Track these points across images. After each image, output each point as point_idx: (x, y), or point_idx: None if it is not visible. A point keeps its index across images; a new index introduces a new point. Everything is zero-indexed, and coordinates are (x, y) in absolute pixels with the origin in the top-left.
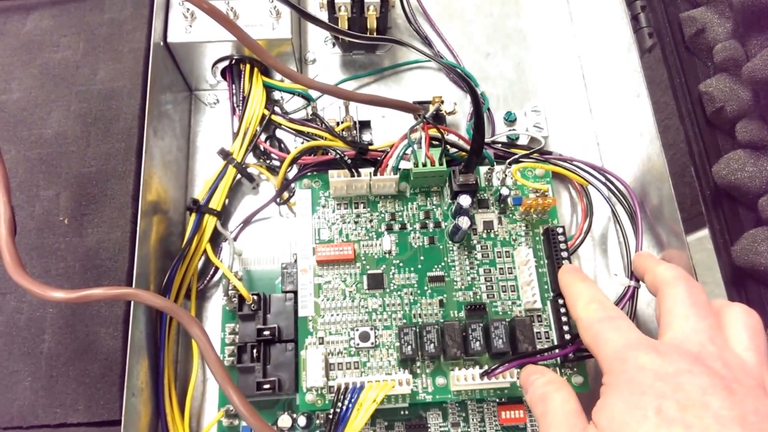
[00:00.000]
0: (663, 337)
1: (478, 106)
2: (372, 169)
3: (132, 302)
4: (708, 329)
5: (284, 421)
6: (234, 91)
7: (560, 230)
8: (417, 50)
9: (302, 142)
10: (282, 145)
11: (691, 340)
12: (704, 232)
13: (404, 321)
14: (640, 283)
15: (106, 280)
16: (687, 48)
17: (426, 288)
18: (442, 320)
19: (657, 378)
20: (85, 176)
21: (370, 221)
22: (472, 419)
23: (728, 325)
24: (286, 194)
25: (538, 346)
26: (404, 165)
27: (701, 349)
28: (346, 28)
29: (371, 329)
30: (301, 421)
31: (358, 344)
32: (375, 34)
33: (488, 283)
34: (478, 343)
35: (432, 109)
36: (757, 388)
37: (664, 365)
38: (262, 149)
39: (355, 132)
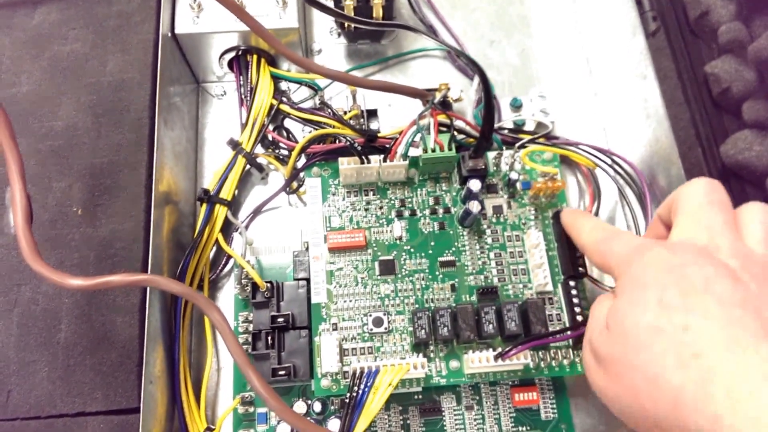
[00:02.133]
0: (672, 236)
1: (488, 88)
2: (381, 156)
3: (148, 291)
4: (719, 224)
5: (299, 407)
6: (241, 82)
7: None
8: (424, 34)
9: (310, 132)
10: (290, 135)
11: (700, 235)
12: None
13: (417, 306)
14: None
15: (120, 269)
16: (691, 30)
17: (437, 273)
18: (454, 304)
19: (661, 271)
20: (97, 167)
21: (380, 208)
22: (486, 402)
23: (743, 222)
24: (295, 183)
25: (551, 328)
26: (413, 152)
27: (710, 242)
28: (353, 16)
29: (384, 314)
30: (317, 406)
31: (371, 329)
32: None
33: (499, 267)
34: (491, 325)
35: (439, 96)
36: (765, 276)
37: (670, 258)
38: (271, 139)
39: (362, 120)
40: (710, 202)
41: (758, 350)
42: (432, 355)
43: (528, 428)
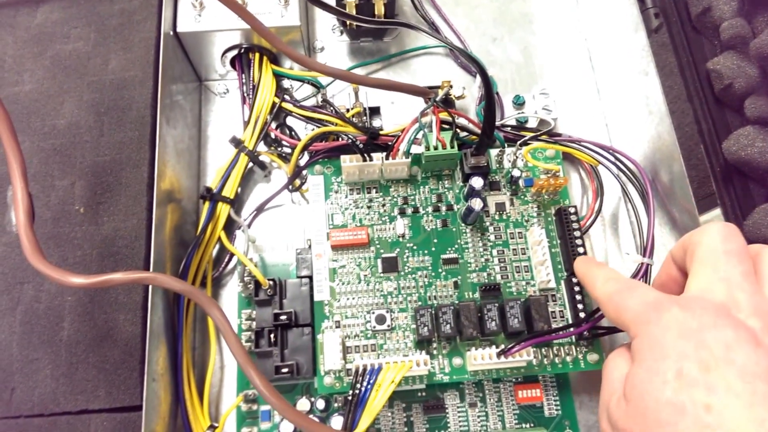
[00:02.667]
0: (689, 288)
1: (489, 86)
2: (384, 154)
3: (150, 289)
4: (737, 276)
5: (303, 404)
6: (244, 80)
7: (572, 210)
8: (425, 32)
9: (313, 129)
10: (293, 133)
11: (716, 289)
12: (716, 211)
13: (419, 303)
14: (653, 259)
15: (123, 267)
16: (693, 27)
17: (440, 270)
18: (457, 301)
19: (680, 337)
20: (100, 165)
21: (383, 206)
22: (489, 399)
23: (763, 273)
24: (297, 181)
25: (553, 325)
26: (415, 149)
27: (727, 298)
28: (354, 14)
29: (387, 312)
30: (320, 404)
31: (374, 327)
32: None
33: (502, 264)
34: (493, 322)
35: (441, 93)
36: None
37: (687, 320)
38: (273, 137)
39: (365, 118)
40: (727, 251)
41: None
42: (435, 352)
43: (531, 425)
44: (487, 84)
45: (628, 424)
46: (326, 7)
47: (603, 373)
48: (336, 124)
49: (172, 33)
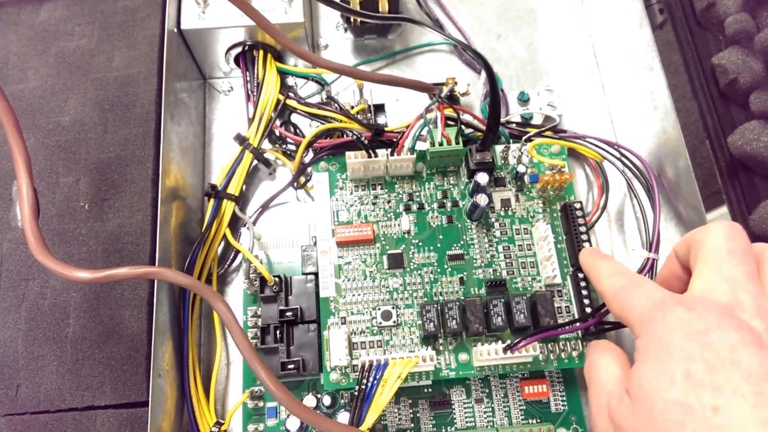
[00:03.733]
0: (692, 287)
1: (494, 81)
2: (389, 150)
3: (155, 284)
4: (741, 276)
5: (309, 401)
6: (248, 77)
7: (578, 205)
8: (430, 28)
9: (317, 126)
10: (297, 130)
11: (720, 289)
12: (723, 208)
13: (425, 299)
14: (659, 254)
15: (128, 263)
16: (698, 22)
17: (446, 266)
18: (463, 297)
19: (685, 338)
20: (104, 162)
21: (388, 202)
22: (496, 395)
23: (766, 270)
24: (302, 178)
25: (559, 321)
26: (420, 146)
27: (731, 298)
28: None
29: (393, 308)
30: (326, 400)
31: (380, 323)
32: None
33: (508, 260)
34: (500, 318)
35: (446, 90)
36: None
37: (692, 322)
38: (278, 134)
39: (369, 115)
40: (731, 251)
41: None
42: (441, 348)
43: (538, 421)
44: (492, 79)
45: (635, 423)
46: (330, 3)
47: (589, 375)
48: (341, 121)
49: (176, 30)
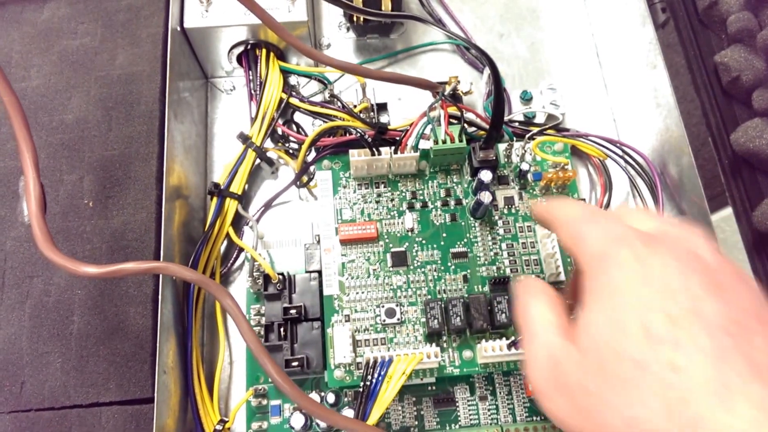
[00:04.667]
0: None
1: (498, 78)
2: (392, 148)
3: (160, 281)
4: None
5: (313, 398)
6: (251, 76)
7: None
8: (434, 25)
9: (320, 125)
10: (300, 129)
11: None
12: (727, 208)
13: (429, 297)
14: None
15: (132, 260)
16: (700, 21)
17: (450, 264)
18: (466, 295)
19: (643, 281)
20: (108, 159)
21: (392, 200)
22: (500, 392)
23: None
24: (305, 177)
25: None
26: (423, 144)
27: (659, 228)
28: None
29: (397, 306)
30: (330, 398)
31: (384, 320)
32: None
33: (511, 258)
34: (504, 315)
35: (449, 88)
36: (748, 284)
37: (651, 261)
38: (281, 132)
39: (372, 114)
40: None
41: (746, 394)
42: (445, 345)
43: (542, 418)
44: (496, 76)
45: (582, 379)
46: (336, 2)
47: (523, 322)
48: (344, 119)
49: (179, 29)
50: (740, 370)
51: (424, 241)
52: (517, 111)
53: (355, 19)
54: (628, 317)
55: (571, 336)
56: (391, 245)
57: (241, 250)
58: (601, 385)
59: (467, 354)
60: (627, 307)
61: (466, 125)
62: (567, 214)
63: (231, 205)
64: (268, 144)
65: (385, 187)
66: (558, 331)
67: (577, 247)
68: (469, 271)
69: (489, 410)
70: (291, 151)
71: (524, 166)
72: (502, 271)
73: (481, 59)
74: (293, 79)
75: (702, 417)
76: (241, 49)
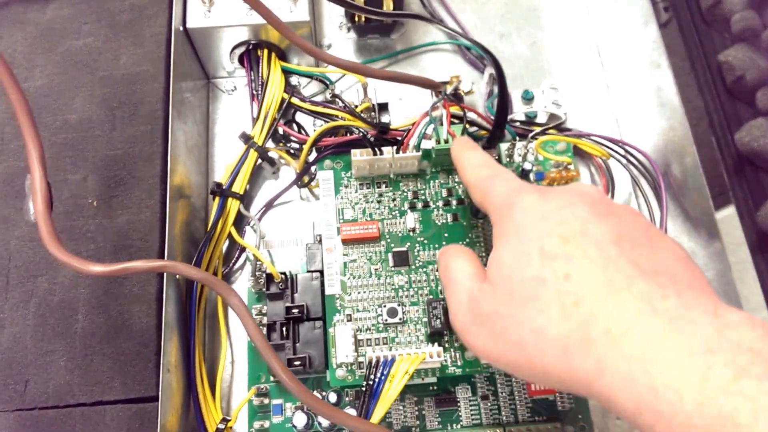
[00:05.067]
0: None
1: (502, 76)
2: (394, 148)
3: (165, 280)
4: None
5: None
6: (252, 76)
7: None
8: (436, 23)
9: (321, 125)
10: (301, 129)
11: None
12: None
13: (431, 296)
14: None
15: (137, 259)
16: (704, 20)
17: None
18: None
19: (540, 218)
20: (112, 159)
21: (393, 200)
22: (502, 392)
23: None
24: (306, 177)
25: None
26: (425, 144)
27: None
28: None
29: (399, 305)
30: (332, 397)
31: (386, 320)
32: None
33: None
34: None
35: (450, 88)
36: (634, 212)
37: (548, 202)
38: (282, 132)
39: (374, 114)
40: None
41: (631, 290)
42: (447, 345)
43: (544, 418)
44: (500, 74)
45: (494, 306)
46: (339, 1)
47: (445, 278)
48: (345, 119)
49: (182, 29)
50: (626, 272)
51: (425, 241)
52: (518, 111)
53: (356, 18)
54: (528, 246)
55: (485, 279)
56: (392, 245)
57: (243, 249)
58: (510, 307)
59: (469, 354)
60: (528, 239)
61: (468, 125)
62: (475, 176)
63: (233, 205)
64: (270, 144)
65: (386, 186)
66: (475, 278)
67: (486, 202)
68: None
69: (491, 410)
70: (292, 151)
71: (527, 166)
72: None
73: (483, 58)
74: (294, 80)
75: (593, 313)
76: (242, 49)
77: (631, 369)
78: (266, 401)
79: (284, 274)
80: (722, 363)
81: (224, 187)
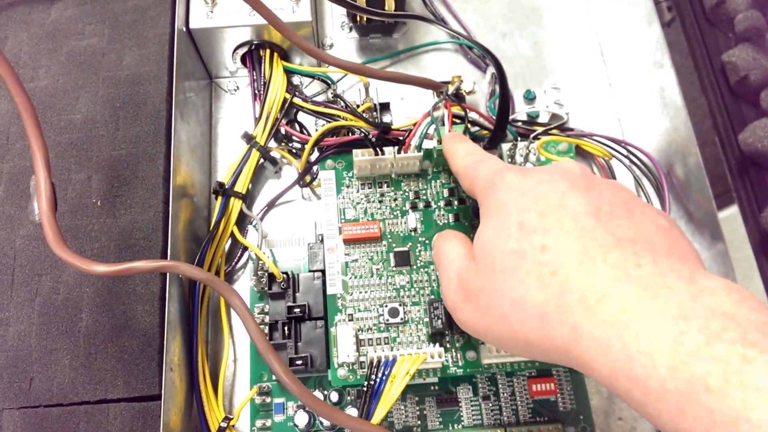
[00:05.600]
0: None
1: (503, 76)
2: (396, 148)
3: (168, 279)
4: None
5: (319, 398)
6: (255, 76)
7: None
8: (438, 23)
9: (323, 125)
10: (303, 129)
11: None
12: (734, 206)
13: (432, 297)
14: None
15: (140, 259)
16: (707, 20)
17: None
18: None
19: (520, 194)
20: (116, 159)
21: (395, 200)
22: (503, 393)
23: None
24: (308, 177)
25: None
26: (427, 144)
27: (565, 163)
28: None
29: (400, 305)
30: (333, 396)
31: (387, 320)
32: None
33: None
34: None
35: (452, 88)
36: (616, 185)
37: (528, 179)
38: (284, 132)
39: (375, 114)
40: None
41: (606, 259)
42: (448, 345)
43: (546, 419)
44: (501, 74)
45: (478, 282)
46: (341, 2)
47: (438, 259)
48: (347, 119)
49: (184, 29)
50: (602, 242)
51: (427, 241)
52: (520, 110)
53: (358, 19)
54: (508, 221)
55: (474, 258)
56: (394, 245)
57: (245, 249)
58: (492, 281)
59: (471, 354)
60: (509, 214)
61: (469, 125)
62: (463, 163)
63: (235, 205)
64: (272, 144)
65: (388, 186)
66: (464, 258)
67: (473, 186)
68: None
69: (492, 411)
70: (294, 150)
71: (528, 167)
72: None
73: (485, 58)
74: (297, 79)
75: (568, 281)
76: (245, 49)
77: (606, 334)
78: (268, 400)
79: (286, 273)
80: (696, 328)
81: (227, 187)
